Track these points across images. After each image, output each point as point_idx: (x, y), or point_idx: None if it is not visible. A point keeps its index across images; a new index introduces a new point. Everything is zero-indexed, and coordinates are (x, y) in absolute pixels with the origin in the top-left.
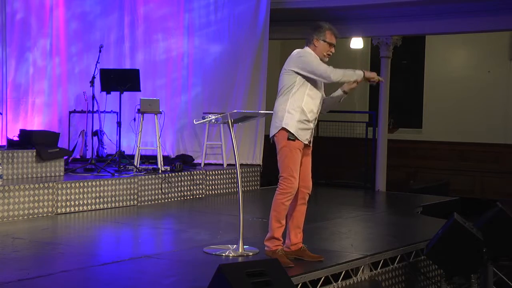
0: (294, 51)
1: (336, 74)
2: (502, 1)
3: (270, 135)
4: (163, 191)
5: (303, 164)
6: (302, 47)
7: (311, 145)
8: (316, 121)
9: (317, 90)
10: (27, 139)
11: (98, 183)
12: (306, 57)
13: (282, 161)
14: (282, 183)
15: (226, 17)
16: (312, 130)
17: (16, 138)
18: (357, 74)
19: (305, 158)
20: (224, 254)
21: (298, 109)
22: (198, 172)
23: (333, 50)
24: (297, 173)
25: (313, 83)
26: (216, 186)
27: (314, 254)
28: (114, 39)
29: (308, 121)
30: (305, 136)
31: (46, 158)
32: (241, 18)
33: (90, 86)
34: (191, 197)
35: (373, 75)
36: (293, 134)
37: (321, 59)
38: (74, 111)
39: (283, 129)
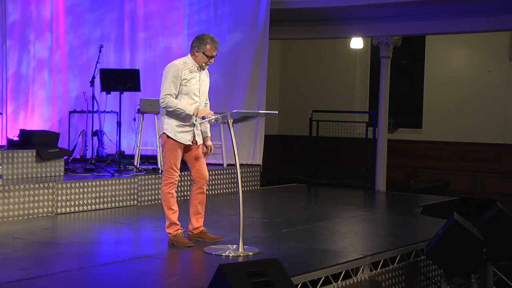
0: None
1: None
2: (502, 1)
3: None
4: None
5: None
6: (302, 47)
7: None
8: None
9: None
10: (27, 139)
11: (98, 183)
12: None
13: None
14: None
15: (226, 17)
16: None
17: (16, 138)
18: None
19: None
20: (224, 254)
21: None
22: None
23: (212, 61)
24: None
25: None
26: (216, 186)
27: (214, 236)
28: (114, 39)
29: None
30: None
31: (46, 158)
32: (241, 19)
33: (90, 86)
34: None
35: None
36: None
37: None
38: (74, 111)
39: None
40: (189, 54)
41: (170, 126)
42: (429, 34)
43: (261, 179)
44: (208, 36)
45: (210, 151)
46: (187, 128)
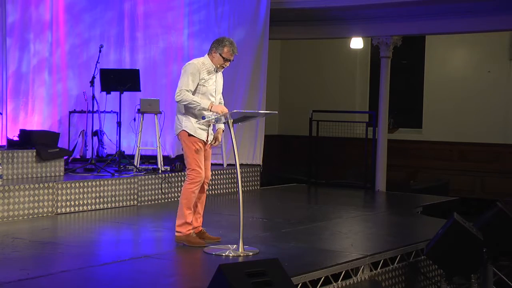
0: None
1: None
2: (502, 1)
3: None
4: (163, 191)
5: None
6: (302, 47)
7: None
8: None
9: None
10: (27, 139)
11: (98, 183)
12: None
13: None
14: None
15: (226, 17)
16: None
17: (16, 138)
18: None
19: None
20: (224, 254)
21: None
22: None
23: (227, 64)
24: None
25: None
26: (216, 186)
27: (212, 236)
28: (113, 38)
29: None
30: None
31: (46, 158)
32: (241, 18)
33: (90, 86)
34: None
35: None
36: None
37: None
38: (74, 111)
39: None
40: (206, 55)
41: (190, 124)
42: (429, 34)
43: (261, 179)
44: (228, 40)
45: (215, 143)
46: (203, 127)
